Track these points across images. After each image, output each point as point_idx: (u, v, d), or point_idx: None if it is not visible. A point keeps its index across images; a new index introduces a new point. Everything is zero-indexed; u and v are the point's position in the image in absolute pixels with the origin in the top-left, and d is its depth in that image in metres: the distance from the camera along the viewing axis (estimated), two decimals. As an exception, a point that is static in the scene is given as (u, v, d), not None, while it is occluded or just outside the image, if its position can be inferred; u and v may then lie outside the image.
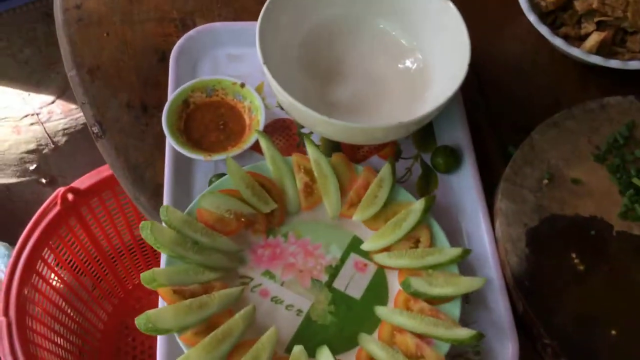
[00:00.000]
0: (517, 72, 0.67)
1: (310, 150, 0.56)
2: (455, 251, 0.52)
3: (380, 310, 0.53)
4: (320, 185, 0.56)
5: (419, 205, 0.54)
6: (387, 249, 0.55)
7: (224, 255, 0.53)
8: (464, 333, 0.49)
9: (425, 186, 0.59)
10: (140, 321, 0.47)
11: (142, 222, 0.50)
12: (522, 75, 0.67)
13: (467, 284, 0.51)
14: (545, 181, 0.57)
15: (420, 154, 0.61)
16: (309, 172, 0.56)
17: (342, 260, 0.55)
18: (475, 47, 0.68)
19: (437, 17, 0.59)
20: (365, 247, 0.55)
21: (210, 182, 0.57)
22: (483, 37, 0.69)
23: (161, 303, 0.50)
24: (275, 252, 0.55)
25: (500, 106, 0.65)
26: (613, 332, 0.51)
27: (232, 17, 0.69)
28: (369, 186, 0.56)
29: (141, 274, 0.49)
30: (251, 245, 0.55)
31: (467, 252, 0.52)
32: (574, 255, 0.54)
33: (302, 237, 0.56)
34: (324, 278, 0.54)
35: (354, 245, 0.56)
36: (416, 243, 0.54)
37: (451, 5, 0.58)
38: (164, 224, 0.51)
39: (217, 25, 0.65)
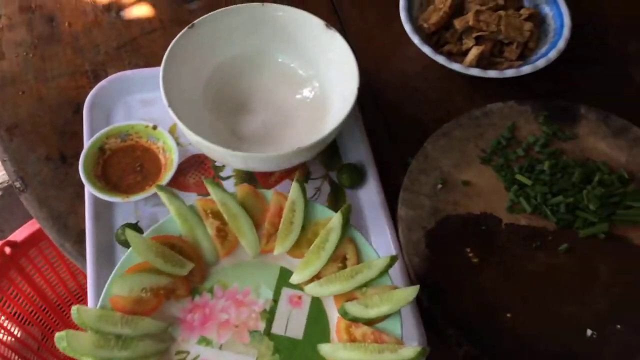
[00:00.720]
0: (410, 90, 0.73)
1: (212, 192, 0.54)
2: (383, 261, 0.52)
3: (323, 350, 0.51)
4: (233, 226, 0.54)
5: (336, 220, 0.53)
6: (316, 276, 0.53)
7: (152, 340, 0.50)
8: (409, 352, 0.48)
9: (334, 202, 0.64)
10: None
11: (57, 334, 0.47)
12: (415, 92, 0.73)
13: (401, 297, 0.50)
14: (439, 186, 0.63)
15: (328, 172, 0.66)
16: (217, 215, 0.54)
17: (275, 299, 0.53)
18: (371, 71, 0.75)
19: (328, 48, 0.65)
20: (294, 280, 0.53)
21: (117, 235, 0.58)
22: (379, 61, 0.76)
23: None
24: (205, 312, 0.52)
25: (398, 122, 0.71)
26: (508, 315, 0.57)
27: (142, 64, 0.73)
28: (282, 212, 0.54)
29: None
30: (178, 314, 0.52)
31: (394, 259, 0.52)
32: (468, 250, 0.60)
33: (229, 286, 0.53)
34: (261, 326, 0.52)
35: (283, 278, 0.54)
36: (343, 261, 0.53)
37: (339, 37, 0.63)
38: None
39: (127, 73, 0.69)
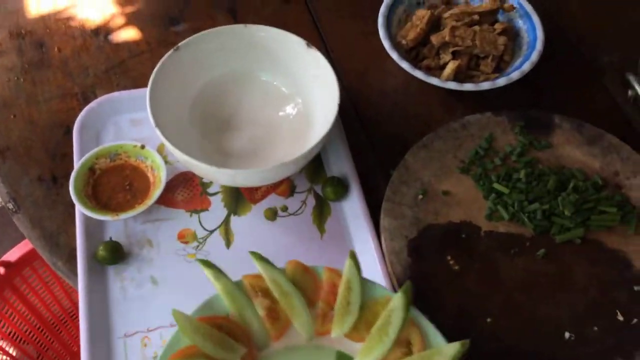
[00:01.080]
0: (391, 104, 0.76)
1: (261, 268, 0.51)
2: (454, 348, 0.49)
3: None
4: (285, 305, 0.50)
5: (397, 301, 0.50)
6: None
7: None
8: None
9: (319, 215, 0.66)
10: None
11: None
12: (396, 106, 0.76)
13: None
14: (420, 196, 0.65)
15: (312, 186, 0.68)
16: (267, 293, 0.50)
17: None
18: (353, 86, 0.78)
19: (310, 66, 0.67)
20: None
21: (97, 255, 0.59)
22: (360, 77, 0.78)
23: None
24: None
25: (380, 136, 0.73)
26: (489, 320, 0.58)
27: (131, 85, 0.75)
28: (337, 289, 0.52)
29: None
30: None
31: (465, 344, 0.49)
32: (449, 258, 0.61)
33: None
34: None
35: None
36: (408, 346, 0.51)
37: (320, 55, 0.65)
38: None
39: (116, 94, 0.71)
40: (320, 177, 0.69)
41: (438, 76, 0.74)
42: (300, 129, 0.68)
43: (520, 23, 0.78)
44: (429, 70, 0.75)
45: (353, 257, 0.52)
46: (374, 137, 0.73)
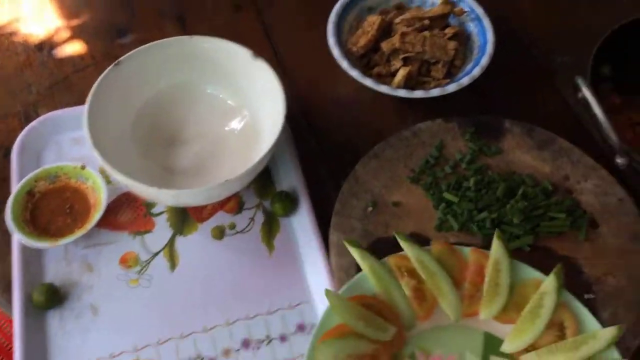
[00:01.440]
0: (343, 113, 0.75)
1: (407, 248, 0.52)
2: (610, 332, 0.49)
3: None
4: (431, 285, 0.51)
5: (549, 284, 0.51)
6: (532, 345, 0.50)
7: None
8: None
9: (268, 232, 0.65)
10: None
11: None
12: (347, 115, 0.74)
13: None
14: (370, 209, 0.64)
15: (261, 201, 0.67)
16: (413, 273, 0.51)
17: None
18: (304, 95, 0.76)
19: (256, 77, 0.65)
20: (506, 348, 0.50)
21: (33, 298, 0.56)
22: (312, 86, 0.77)
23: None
24: None
25: (332, 146, 0.72)
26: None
27: (75, 102, 0.73)
28: (483, 271, 0.52)
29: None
30: None
31: (621, 329, 0.49)
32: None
33: (432, 353, 0.50)
34: None
35: (491, 346, 0.50)
36: (561, 329, 0.51)
37: (266, 66, 0.64)
38: None
39: (58, 112, 0.69)
40: (270, 191, 0.67)
41: (389, 83, 0.72)
42: (248, 142, 0.67)
43: (472, 27, 0.77)
44: (380, 78, 0.73)
45: (500, 237, 0.52)
46: (325, 146, 0.72)
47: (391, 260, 0.51)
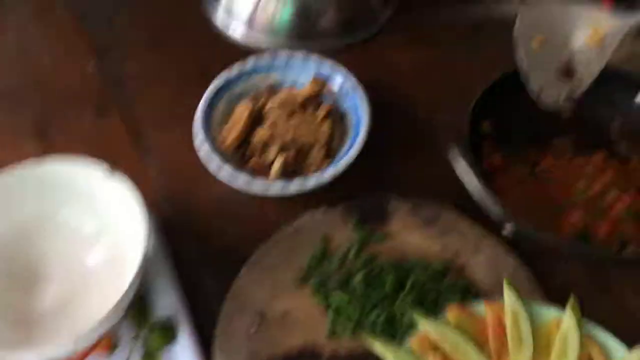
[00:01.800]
0: (222, 213, 0.69)
1: (427, 325, 0.52)
2: (637, 354, 0.50)
3: None
4: (457, 356, 0.50)
5: (568, 320, 0.51)
6: None
7: None
8: None
9: (149, 367, 0.59)
10: None
11: None
12: (227, 215, 0.69)
13: None
14: (254, 326, 0.58)
15: (139, 332, 0.60)
16: (435, 348, 0.51)
17: None
18: (180, 198, 0.71)
19: (113, 196, 0.60)
20: None
21: None
22: (188, 186, 0.72)
23: None
24: None
25: (215, 252, 0.67)
26: None
27: None
28: (503, 322, 0.52)
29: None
30: None
31: None
32: (292, 395, 0.55)
33: None
34: None
35: None
36: None
37: (121, 184, 0.59)
38: None
39: None
40: (147, 320, 0.61)
41: (267, 174, 0.68)
42: (114, 274, 0.61)
43: (347, 102, 0.74)
44: (255, 171, 0.69)
45: (509, 283, 0.52)
46: (208, 255, 0.66)
47: (412, 343, 0.52)
